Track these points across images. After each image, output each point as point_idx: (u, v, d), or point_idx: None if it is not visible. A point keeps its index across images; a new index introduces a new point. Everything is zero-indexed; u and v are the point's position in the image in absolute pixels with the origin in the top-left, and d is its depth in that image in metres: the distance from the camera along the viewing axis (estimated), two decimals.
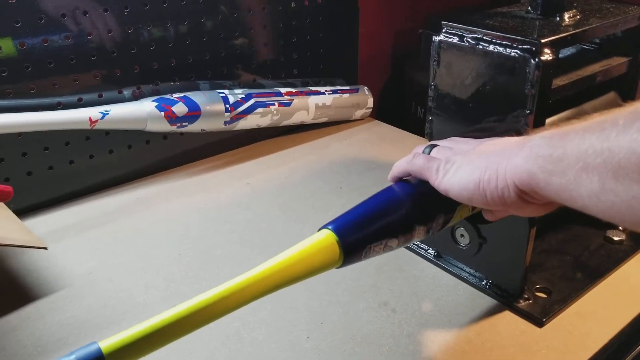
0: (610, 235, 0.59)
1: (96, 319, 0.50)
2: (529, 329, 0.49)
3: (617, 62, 0.53)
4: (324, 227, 0.40)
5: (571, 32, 0.47)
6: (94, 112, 0.63)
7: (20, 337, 0.48)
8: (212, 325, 0.35)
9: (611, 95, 0.56)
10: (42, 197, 0.67)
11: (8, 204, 0.59)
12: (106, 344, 0.31)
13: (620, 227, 0.60)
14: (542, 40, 0.43)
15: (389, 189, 0.44)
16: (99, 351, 0.31)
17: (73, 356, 0.30)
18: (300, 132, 0.86)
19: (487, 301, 0.52)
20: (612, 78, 0.52)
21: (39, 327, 0.49)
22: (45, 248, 0.55)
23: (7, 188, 0.51)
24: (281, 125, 0.81)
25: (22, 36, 0.61)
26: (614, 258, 0.56)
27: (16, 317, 0.50)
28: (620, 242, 0.58)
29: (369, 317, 0.50)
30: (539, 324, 0.49)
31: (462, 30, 0.48)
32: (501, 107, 0.46)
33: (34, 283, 0.54)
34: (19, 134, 0.64)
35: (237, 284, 0.35)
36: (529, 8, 0.52)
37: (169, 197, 0.70)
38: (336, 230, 0.39)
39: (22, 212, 0.64)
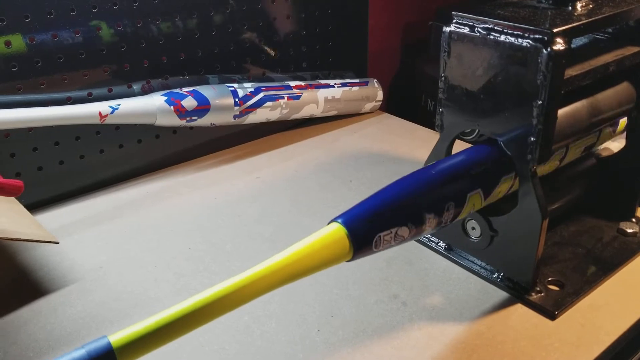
0: (624, 228, 0.58)
1: (107, 313, 0.50)
2: (541, 322, 0.48)
3: (631, 52, 0.52)
4: (334, 220, 0.40)
5: (584, 22, 0.46)
6: (104, 106, 0.63)
7: (32, 331, 0.48)
8: (222, 319, 0.35)
9: (624, 85, 0.55)
10: (52, 192, 0.67)
11: (19, 199, 0.59)
12: (116, 337, 0.31)
13: (634, 220, 0.59)
14: (554, 30, 0.43)
15: (397, 181, 0.44)
16: (109, 345, 0.31)
17: (83, 350, 0.31)
18: (309, 125, 0.86)
19: (499, 294, 0.51)
20: (625, 68, 0.52)
21: (50, 321, 0.49)
22: (56, 242, 0.55)
23: (18, 183, 0.51)
24: (290, 118, 0.80)
25: (31, 31, 0.61)
26: (628, 250, 0.56)
27: (28, 312, 0.50)
28: (633, 234, 0.58)
29: (379, 310, 0.50)
30: (551, 317, 0.48)
31: (472, 21, 0.47)
32: (513, 98, 0.46)
33: (46, 277, 0.55)
34: (30, 129, 0.64)
35: (245, 278, 0.35)
36: None
37: (179, 191, 0.70)
38: (345, 224, 0.39)
39: (33, 206, 0.65)
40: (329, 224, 0.40)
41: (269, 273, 0.36)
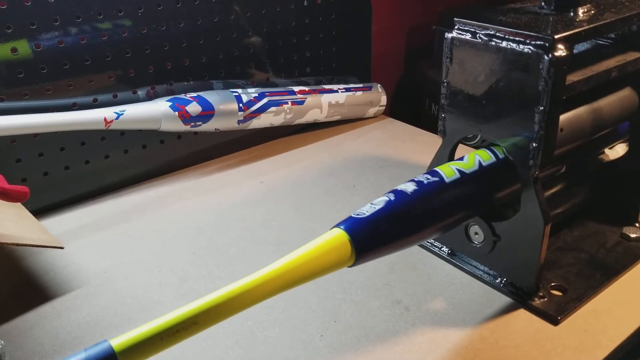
0: (627, 232, 0.58)
1: (112, 318, 0.50)
2: (543, 327, 0.48)
3: (633, 57, 0.52)
4: (336, 226, 0.40)
5: (585, 28, 0.46)
6: (109, 112, 0.63)
7: (38, 336, 0.49)
8: (225, 324, 0.35)
9: (627, 91, 0.55)
10: (58, 197, 0.68)
11: (25, 204, 0.60)
12: (118, 341, 0.32)
13: (637, 224, 0.59)
14: (556, 36, 0.43)
15: (399, 188, 0.44)
16: (110, 349, 0.31)
17: (84, 354, 0.31)
18: (313, 130, 0.86)
19: (502, 299, 0.51)
20: (627, 73, 0.52)
21: (55, 325, 0.50)
22: (62, 247, 0.56)
23: (24, 188, 0.52)
24: (294, 123, 0.81)
25: (37, 38, 0.62)
26: (631, 255, 0.56)
27: (33, 316, 0.51)
28: (637, 239, 0.57)
29: (382, 315, 0.50)
30: (554, 322, 0.48)
31: (474, 27, 0.48)
32: (514, 103, 0.46)
33: (51, 282, 0.55)
34: (36, 135, 0.64)
35: (249, 282, 0.35)
36: (543, 3, 0.51)
37: (183, 196, 0.70)
38: (348, 230, 0.39)
39: (39, 212, 0.65)
40: (331, 229, 0.40)
41: (272, 277, 0.36)
